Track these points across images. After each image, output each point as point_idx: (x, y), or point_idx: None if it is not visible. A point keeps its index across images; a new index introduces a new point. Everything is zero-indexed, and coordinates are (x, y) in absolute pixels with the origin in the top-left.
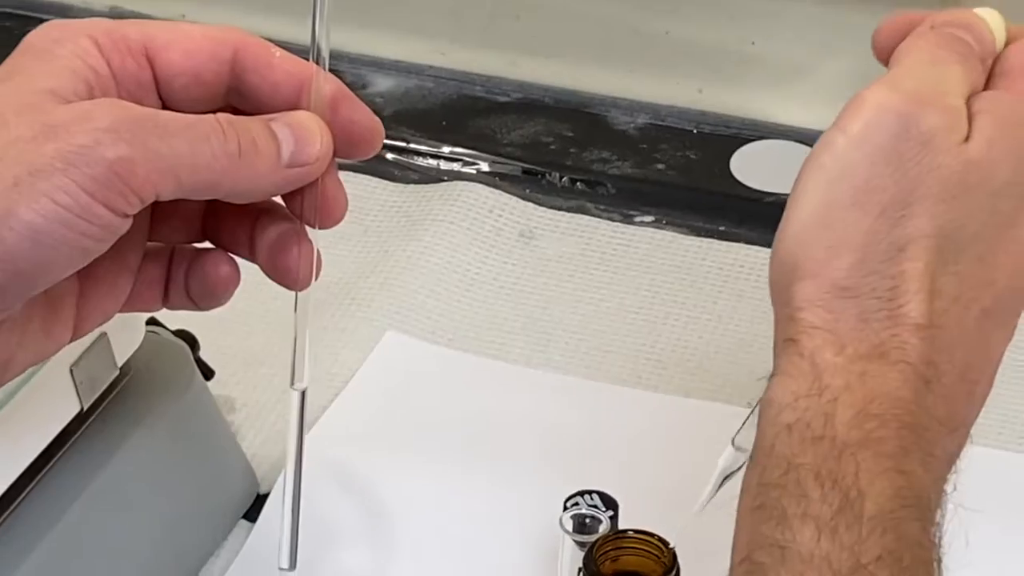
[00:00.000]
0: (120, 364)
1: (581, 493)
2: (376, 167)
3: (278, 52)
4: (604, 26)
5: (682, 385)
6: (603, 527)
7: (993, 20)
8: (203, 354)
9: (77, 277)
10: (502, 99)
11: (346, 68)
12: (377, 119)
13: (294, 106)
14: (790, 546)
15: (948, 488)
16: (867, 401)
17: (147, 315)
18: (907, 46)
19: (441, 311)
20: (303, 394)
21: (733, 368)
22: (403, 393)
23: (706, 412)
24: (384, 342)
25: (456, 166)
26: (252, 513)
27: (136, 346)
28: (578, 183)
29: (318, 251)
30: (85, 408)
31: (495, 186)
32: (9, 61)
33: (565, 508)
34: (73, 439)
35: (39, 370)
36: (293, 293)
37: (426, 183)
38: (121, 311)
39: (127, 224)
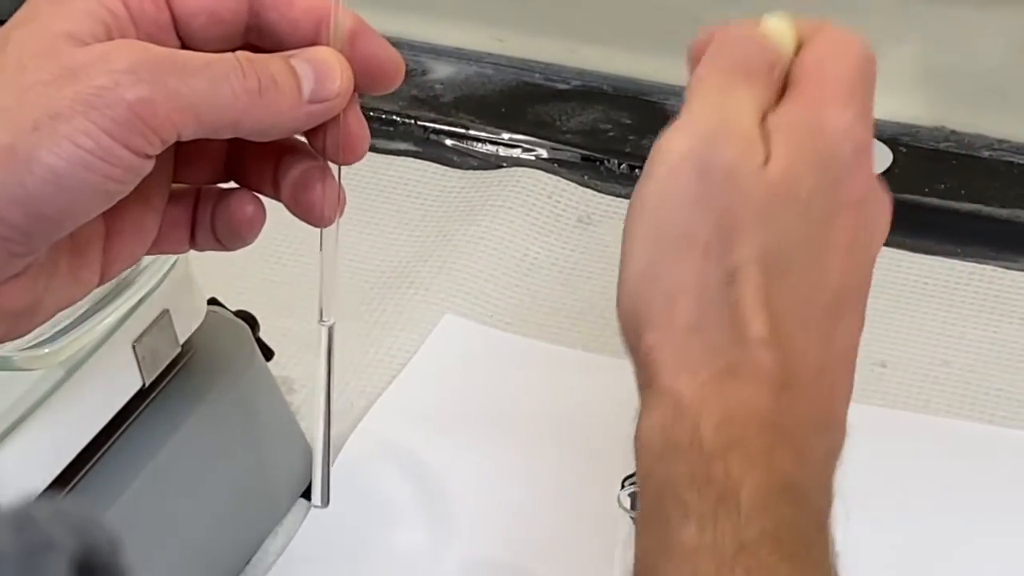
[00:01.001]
0: (182, 341)
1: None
2: (436, 153)
3: None
4: (664, 14)
5: None
6: None
7: (779, 28)
8: (263, 336)
9: (103, 220)
10: (561, 86)
11: (406, 55)
12: (397, 52)
13: (313, 42)
14: (675, 545)
15: (834, 482)
16: (727, 411)
17: (208, 295)
18: (697, 76)
19: (499, 295)
20: (330, 330)
21: None
22: (460, 375)
23: None
24: (442, 325)
25: (515, 152)
26: (310, 492)
27: (197, 324)
28: (636, 170)
29: (342, 187)
30: (147, 384)
31: (554, 172)
32: (26, 6)
33: (623, 487)
34: (135, 415)
35: (101, 345)
36: (356, 280)
37: (485, 169)
38: (148, 253)
39: (149, 165)
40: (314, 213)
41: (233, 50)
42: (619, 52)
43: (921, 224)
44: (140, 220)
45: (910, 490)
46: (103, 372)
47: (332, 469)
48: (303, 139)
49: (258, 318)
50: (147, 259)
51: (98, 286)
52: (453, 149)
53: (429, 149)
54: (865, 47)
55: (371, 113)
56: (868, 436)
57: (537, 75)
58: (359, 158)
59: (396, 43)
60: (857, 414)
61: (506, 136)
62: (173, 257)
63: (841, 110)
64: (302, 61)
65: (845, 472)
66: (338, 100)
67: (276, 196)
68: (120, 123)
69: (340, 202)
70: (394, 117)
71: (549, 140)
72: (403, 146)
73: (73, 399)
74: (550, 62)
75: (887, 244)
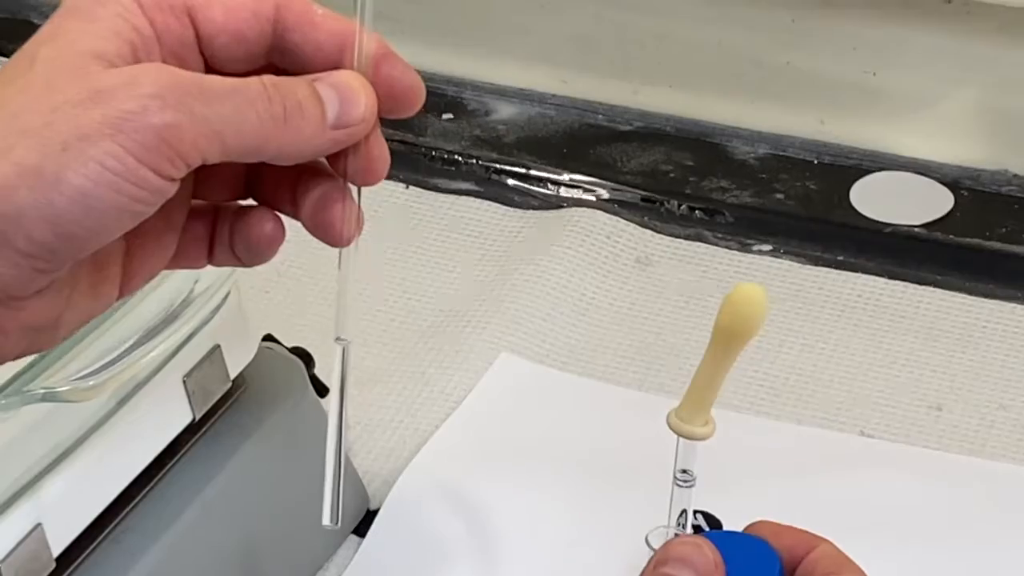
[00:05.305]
0: (233, 377)
1: (684, 512)
2: (497, 193)
3: (320, 10)
4: (726, 56)
5: (795, 412)
6: None
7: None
8: (319, 372)
9: (123, 237)
10: (623, 127)
11: (470, 95)
12: (418, 76)
13: (337, 64)
14: None
15: None
16: None
17: (266, 331)
18: None
19: (556, 334)
20: (345, 348)
21: (846, 397)
22: (515, 414)
23: (817, 440)
24: (498, 363)
25: (576, 193)
26: (362, 528)
27: (249, 359)
28: (696, 211)
29: (360, 207)
30: (197, 418)
31: (614, 213)
32: (51, 21)
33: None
34: (185, 449)
35: (152, 378)
36: (414, 318)
37: (546, 209)
38: (167, 268)
39: (174, 188)
40: (333, 233)
41: (256, 70)
42: (681, 94)
43: (982, 267)
44: (160, 236)
45: (965, 534)
46: (153, 406)
47: (383, 506)
48: (323, 159)
49: (315, 356)
50: (197, 292)
51: (117, 300)
52: (514, 189)
53: (490, 189)
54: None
55: (434, 152)
56: (921, 479)
57: (599, 116)
58: (378, 180)
59: (459, 83)
60: (910, 457)
61: (567, 176)
62: (224, 292)
63: None
64: (327, 86)
65: (897, 514)
66: (362, 126)
67: (295, 214)
68: (147, 147)
69: (358, 223)
70: (456, 157)
71: (610, 181)
72: (465, 185)
73: (123, 432)
74: (613, 103)
75: (947, 287)
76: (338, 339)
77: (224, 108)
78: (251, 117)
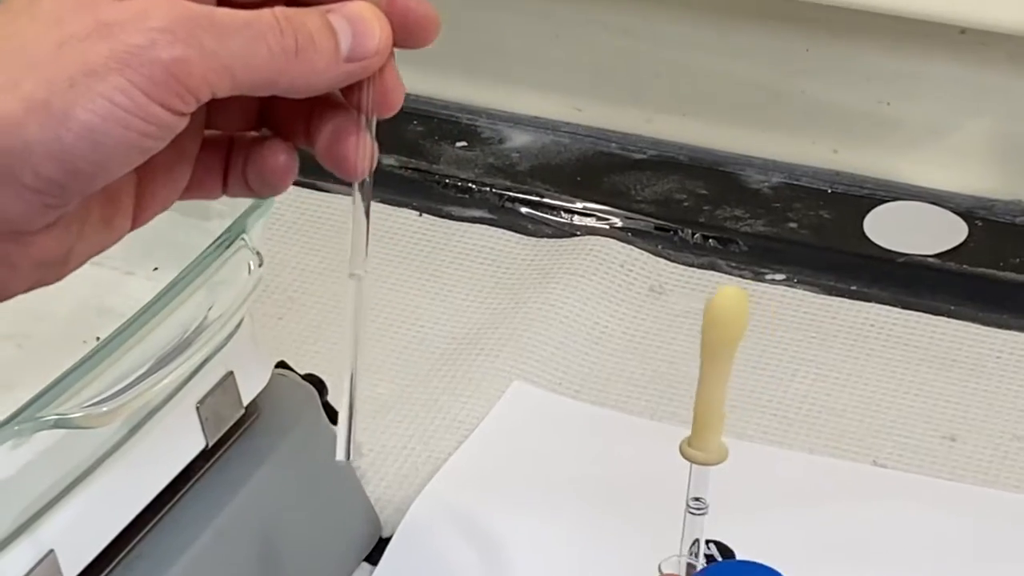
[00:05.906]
0: (246, 403)
1: (697, 541)
2: (511, 221)
3: None
4: (740, 85)
5: (807, 442)
6: None
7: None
8: (332, 400)
9: (135, 168)
10: (637, 156)
11: (484, 123)
12: (433, 7)
13: None
14: None
15: None
16: None
17: (279, 358)
18: None
19: (569, 363)
20: (359, 282)
21: (859, 426)
22: (528, 442)
23: (830, 469)
24: (511, 392)
25: (589, 221)
26: (374, 556)
27: (262, 386)
28: (710, 240)
29: (374, 140)
30: (210, 445)
31: (627, 241)
32: None
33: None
34: (198, 475)
35: (165, 404)
36: (426, 345)
37: (559, 237)
38: (181, 199)
39: (184, 122)
40: (347, 165)
41: (269, 1)
42: (694, 122)
43: (995, 298)
44: (172, 167)
45: (979, 566)
46: (166, 432)
47: (396, 534)
48: (337, 91)
49: (327, 382)
50: (211, 319)
51: (130, 231)
52: (527, 217)
53: (504, 216)
54: None
55: (447, 180)
56: (934, 510)
57: (613, 144)
58: (394, 111)
59: (474, 111)
60: (924, 487)
61: (580, 205)
62: (237, 319)
63: None
64: (340, 18)
65: (910, 544)
66: (376, 59)
67: (309, 146)
68: (156, 82)
69: (372, 155)
70: (470, 184)
71: (623, 209)
72: (478, 213)
73: (136, 458)
74: (626, 132)
75: (960, 317)
76: (352, 274)
77: (235, 42)
78: (262, 51)
